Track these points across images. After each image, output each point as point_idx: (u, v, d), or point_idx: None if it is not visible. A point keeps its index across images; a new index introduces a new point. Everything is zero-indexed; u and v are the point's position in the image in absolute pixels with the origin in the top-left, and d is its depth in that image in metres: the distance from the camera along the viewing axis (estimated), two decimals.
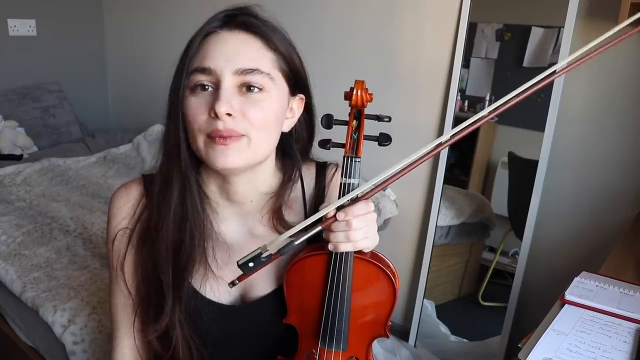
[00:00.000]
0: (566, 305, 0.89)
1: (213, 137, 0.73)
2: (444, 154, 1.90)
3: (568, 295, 0.91)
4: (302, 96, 0.83)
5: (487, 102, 1.95)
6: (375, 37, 2.05)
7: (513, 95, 0.68)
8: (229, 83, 0.73)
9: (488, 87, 1.93)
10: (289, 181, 0.86)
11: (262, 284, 0.86)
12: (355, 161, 0.76)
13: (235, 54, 0.73)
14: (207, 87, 0.74)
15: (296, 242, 0.68)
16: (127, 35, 3.06)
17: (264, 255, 0.67)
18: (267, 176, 0.85)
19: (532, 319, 1.54)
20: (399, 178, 0.68)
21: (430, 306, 2.06)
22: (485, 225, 2.04)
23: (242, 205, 0.85)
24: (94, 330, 1.35)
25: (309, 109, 0.86)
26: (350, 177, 0.76)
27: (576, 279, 0.98)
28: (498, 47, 1.87)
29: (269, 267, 0.80)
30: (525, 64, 1.80)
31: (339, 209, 0.72)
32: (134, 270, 0.85)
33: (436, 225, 1.96)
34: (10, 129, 2.51)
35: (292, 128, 0.85)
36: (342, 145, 0.77)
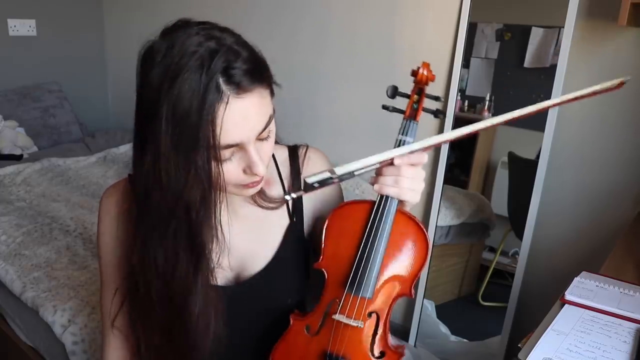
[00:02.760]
0: (566, 305, 0.89)
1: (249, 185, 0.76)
2: (444, 154, 1.90)
3: (568, 295, 0.91)
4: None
5: (487, 102, 1.95)
6: (375, 37, 2.05)
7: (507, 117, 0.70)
8: (254, 145, 0.73)
9: (488, 87, 1.93)
10: None
11: (253, 263, 0.88)
12: (413, 123, 0.84)
13: (256, 120, 0.71)
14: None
15: (356, 173, 0.70)
16: (127, 36, 3.06)
17: (333, 178, 0.69)
18: None
19: (532, 319, 1.54)
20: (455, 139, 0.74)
21: (430, 306, 2.06)
22: (485, 225, 2.04)
23: None
24: (94, 330, 1.35)
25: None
26: (406, 135, 0.83)
27: (576, 279, 0.98)
28: (498, 47, 1.87)
29: (258, 247, 0.87)
30: (525, 64, 1.80)
31: (398, 143, 0.79)
32: (121, 264, 0.87)
33: (436, 225, 1.96)
34: (10, 129, 2.51)
35: None
36: (403, 112, 0.86)
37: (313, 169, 0.92)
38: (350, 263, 0.83)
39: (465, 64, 1.88)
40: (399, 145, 0.82)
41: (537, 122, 1.70)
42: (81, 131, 2.89)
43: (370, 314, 0.84)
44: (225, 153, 0.71)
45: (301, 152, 0.94)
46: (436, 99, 0.86)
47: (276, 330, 0.89)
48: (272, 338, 0.89)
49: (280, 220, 0.90)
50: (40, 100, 2.74)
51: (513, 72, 1.88)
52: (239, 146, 0.72)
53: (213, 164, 0.71)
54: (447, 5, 1.85)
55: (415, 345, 2.04)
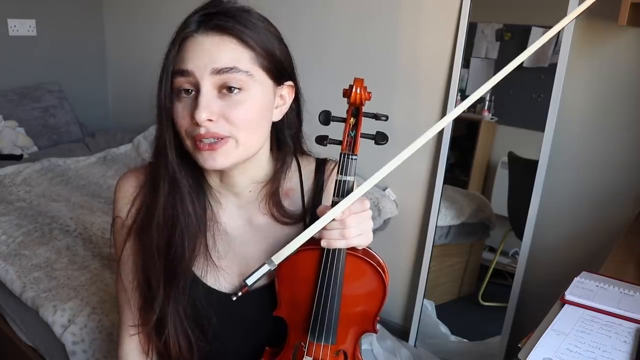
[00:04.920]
0: (566, 305, 0.89)
1: (198, 142, 0.74)
2: (444, 154, 1.90)
3: (568, 295, 0.91)
4: (291, 83, 0.84)
5: (487, 102, 1.95)
6: (375, 37, 2.05)
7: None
8: (207, 86, 0.73)
9: None
10: (281, 168, 0.87)
11: None
12: (352, 159, 0.77)
13: (212, 56, 0.73)
14: (190, 90, 0.75)
15: (295, 249, 0.71)
16: (127, 35, 3.06)
17: (272, 269, 0.71)
18: (262, 165, 0.86)
19: (532, 319, 1.54)
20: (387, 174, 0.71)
21: (430, 306, 2.06)
22: (485, 225, 2.04)
23: (241, 195, 0.87)
24: (94, 330, 1.35)
25: (296, 95, 0.87)
26: (346, 175, 0.77)
27: (576, 279, 0.98)
28: (498, 47, 1.87)
29: (271, 255, 0.84)
30: (525, 64, 1.80)
31: (333, 204, 0.73)
32: (133, 261, 0.87)
33: (436, 225, 1.96)
34: (10, 129, 2.51)
35: (284, 115, 0.85)
36: (339, 142, 0.78)
37: (332, 187, 0.91)
38: (308, 309, 0.82)
39: (465, 64, 1.88)
40: (337, 186, 0.76)
41: (537, 122, 1.70)
42: (81, 131, 2.89)
43: (337, 352, 0.84)
44: (180, 82, 0.74)
45: (328, 167, 0.92)
46: (375, 117, 0.78)
47: (268, 337, 0.89)
48: (263, 344, 0.89)
49: (295, 234, 0.89)
50: (40, 100, 2.74)
51: (513, 72, 1.86)
52: (192, 79, 0.73)
53: (170, 93, 0.76)
54: (447, 5, 1.85)
55: (415, 345, 2.04)
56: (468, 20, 1.81)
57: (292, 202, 0.89)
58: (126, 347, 0.91)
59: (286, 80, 0.83)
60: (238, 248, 0.88)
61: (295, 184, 0.90)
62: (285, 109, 0.84)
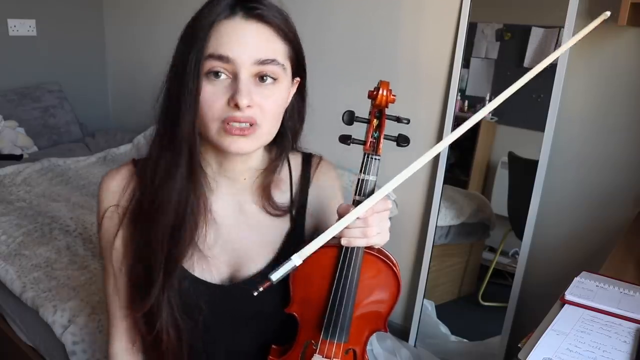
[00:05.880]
0: (566, 305, 0.89)
1: (227, 125, 0.74)
2: (444, 154, 1.90)
3: (568, 295, 0.91)
4: (298, 79, 0.85)
5: (487, 102, 1.95)
6: (375, 37, 2.05)
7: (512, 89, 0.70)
8: (246, 74, 0.74)
9: (488, 87, 1.92)
10: (278, 159, 0.89)
11: (250, 263, 0.87)
12: (375, 159, 0.79)
13: (255, 44, 0.74)
14: (220, 74, 0.74)
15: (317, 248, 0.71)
16: (127, 35, 3.06)
17: (297, 265, 0.70)
18: (260, 153, 0.88)
19: (532, 319, 1.54)
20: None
21: (430, 306, 2.06)
22: (485, 225, 2.04)
23: (236, 181, 0.88)
24: (94, 330, 1.35)
25: (302, 91, 0.88)
26: (368, 174, 0.78)
27: (576, 279, 0.98)
28: (498, 47, 1.87)
29: (257, 247, 0.87)
30: (525, 64, 1.80)
31: (356, 204, 0.75)
32: (125, 249, 0.86)
33: (436, 225, 1.96)
34: (10, 129, 2.51)
35: (287, 109, 0.86)
36: (363, 143, 0.80)
37: (323, 180, 0.93)
38: (321, 308, 0.82)
39: (465, 64, 1.88)
40: (360, 185, 0.78)
41: (537, 122, 1.70)
42: (81, 131, 2.89)
43: (347, 351, 0.84)
44: (213, 65, 0.73)
45: (314, 161, 0.94)
46: (398, 120, 0.80)
47: (272, 336, 0.89)
48: (267, 343, 0.89)
49: (282, 224, 0.89)
50: (40, 100, 2.74)
51: (513, 72, 1.88)
52: (230, 65, 0.73)
53: (201, 75, 0.73)
54: (447, 5, 1.85)
55: (415, 345, 2.04)
56: (468, 20, 1.81)
57: (282, 192, 0.91)
58: (116, 346, 0.91)
59: (299, 76, 0.84)
60: (226, 236, 0.87)
61: (285, 176, 0.92)
62: (287, 102, 0.85)
